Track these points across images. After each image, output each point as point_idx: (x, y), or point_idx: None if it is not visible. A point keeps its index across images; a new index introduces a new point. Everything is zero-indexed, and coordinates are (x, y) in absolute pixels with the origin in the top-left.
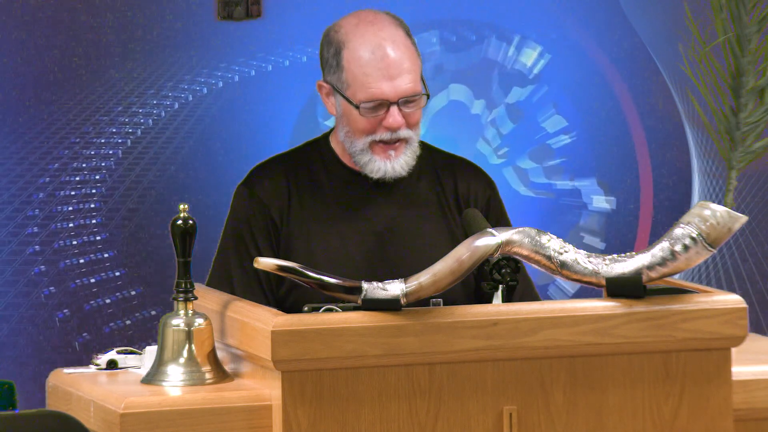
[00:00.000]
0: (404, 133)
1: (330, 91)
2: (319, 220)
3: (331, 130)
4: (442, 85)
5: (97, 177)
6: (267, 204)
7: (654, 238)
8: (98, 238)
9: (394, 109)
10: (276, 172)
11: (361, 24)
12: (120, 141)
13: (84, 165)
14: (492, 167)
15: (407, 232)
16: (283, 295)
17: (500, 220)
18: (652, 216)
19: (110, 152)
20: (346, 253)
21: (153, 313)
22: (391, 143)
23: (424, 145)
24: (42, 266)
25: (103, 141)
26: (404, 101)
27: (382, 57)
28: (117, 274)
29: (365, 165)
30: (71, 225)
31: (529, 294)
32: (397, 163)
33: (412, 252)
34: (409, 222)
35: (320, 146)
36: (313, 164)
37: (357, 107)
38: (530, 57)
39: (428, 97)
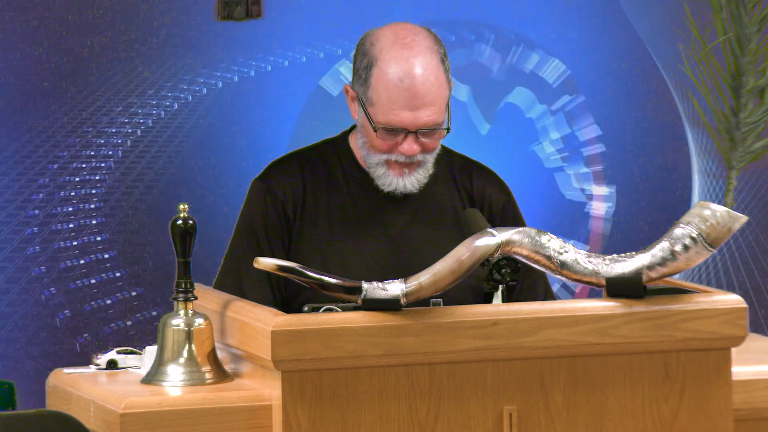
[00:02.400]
0: (419, 157)
1: (355, 97)
2: (334, 222)
3: (351, 129)
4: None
5: (98, 177)
6: (282, 200)
7: (653, 239)
8: (98, 238)
9: (411, 138)
10: (292, 169)
11: (397, 44)
12: (120, 141)
13: (84, 165)
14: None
15: (421, 240)
16: (292, 293)
17: (516, 225)
18: (651, 216)
19: (110, 152)
20: (360, 257)
21: (153, 313)
22: (406, 164)
23: (441, 149)
24: (42, 266)
25: (103, 141)
26: (423, 132)
27: (409, 87)
28: (118, 274)
29: (378, 178)
30: (71, 225)
31: (549, 296)
32: (408, 181)
33: (426, 260)
34: (424, 230)
35: (338, 146)
36: (330, 164)
37: (375, 129)
38: (531, 59)
39: (448, 130)
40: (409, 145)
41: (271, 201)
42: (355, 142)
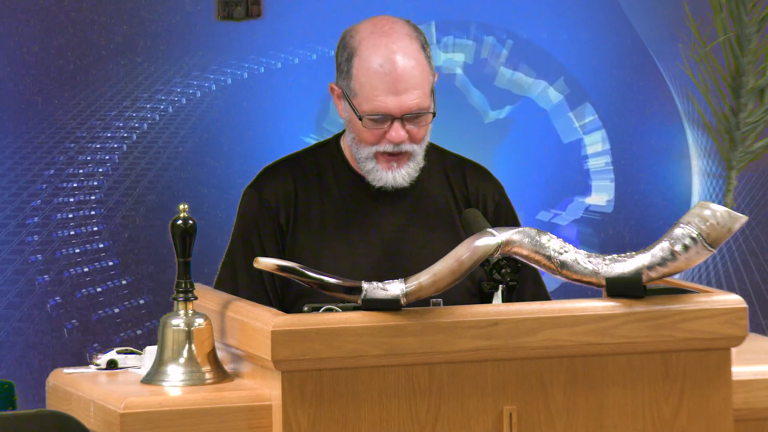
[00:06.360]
0: (407, 147)
1: (341, 94)
2: (327, 227)
3: (343, 132)
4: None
5: (98, 176)
6: (274, 208)
7: (653, 239)
8: (97, 238)
9: (397, 124)
10: (284, 175)
11: (376, 33)
12: (120, 141)
13: (83, 166)
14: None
15: (416, 242)
16: (289, 303)
17: (510, 223)
18: (651, 216)
19: (110, 153)
20: (354, 261)
21: (156, 316)
22: (395, 155)
23: (434, 148)
24: (42, 266)
25: (102, 143)
26: (408, 117)
27: (391, 71)
28: (116, 272)
29: (368, 173)
30: (71, 224)
31: (542, 297)
32: (398, 174)
33: (421, 262)
34: (418, 231)
35: (330, 149)
36: (322, 168)
37: (361, 118)
38: (528, 59)
39: (434, 115)
40: (396, 132)
41: (264, 209)
42: (346, 144)
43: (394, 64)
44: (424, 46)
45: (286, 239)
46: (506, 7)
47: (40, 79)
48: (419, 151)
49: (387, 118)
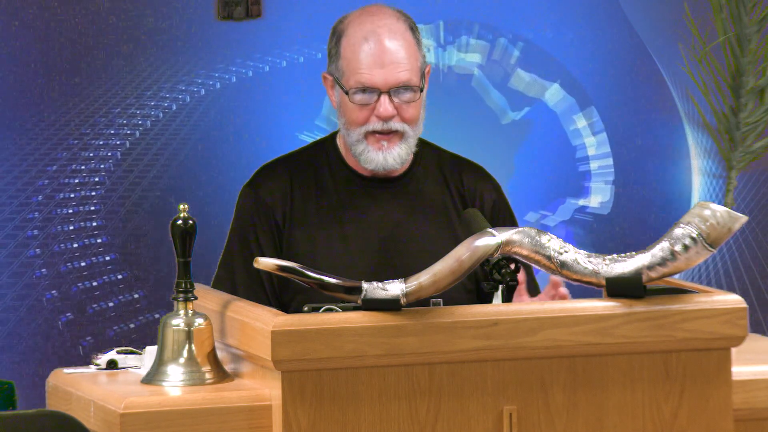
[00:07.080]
0: (397, 125)
1: (332, 82)
2: (323, 224)
3: (339, 130)
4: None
5: (100, 173)
6: (271, 206)
7: (653, 239)
8: (97, 233)
9: (384, 98)
10: (280, 174)
11: (363, 14)
12: (123, 139)
13: (86, 163)
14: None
15: (412, 238)
16: (287, 300)
17: (507, 222)
18: (651, 216)
19: (113, 149)
20: (350, 258)
21: (156, 316)
22: (384, 134)
23: (430, 145)
24: (42, 267)
25: (105, 140)
26: (395, 91)
27: (375, 45)
28: (113, 268)
29: (360, 155)
30: (71, 225)
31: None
32: (389, 155)
33: (417, 259)
34: (414, 227)
35: (326, 147)
36: (318, 165)
37: (347, 93)
38: (528, 59)
39: (422, 90)
40: (384, 107)
41: (260, 207)
42: (341, 139)
43: (380, 38)
44: (413, 28)
45: (283, 237)
46: (508, 7)
47: (45, 76)
48: (411, 133)
49: (374, 92)
